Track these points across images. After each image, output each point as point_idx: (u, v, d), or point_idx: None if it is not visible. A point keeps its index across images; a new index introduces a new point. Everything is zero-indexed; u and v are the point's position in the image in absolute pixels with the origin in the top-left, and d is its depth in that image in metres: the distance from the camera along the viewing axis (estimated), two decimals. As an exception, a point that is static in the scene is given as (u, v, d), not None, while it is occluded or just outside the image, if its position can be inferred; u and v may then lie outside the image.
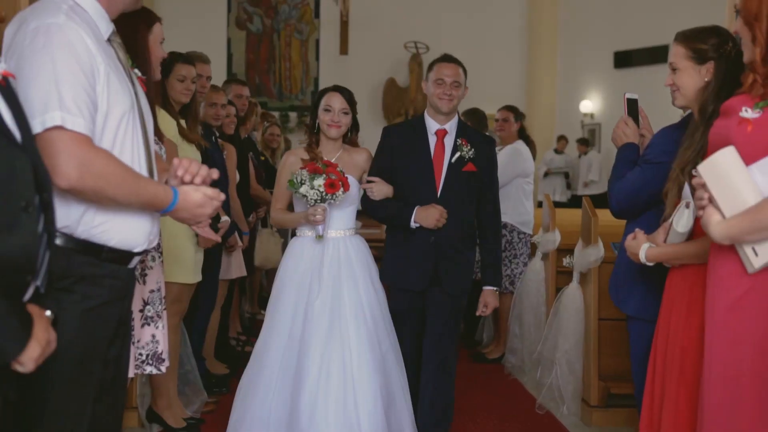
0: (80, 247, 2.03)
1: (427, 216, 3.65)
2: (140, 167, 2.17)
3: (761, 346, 2.02)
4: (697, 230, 2.35)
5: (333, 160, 3.70)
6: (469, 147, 3.75)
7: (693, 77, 2.66)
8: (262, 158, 6.37)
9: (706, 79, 2.64)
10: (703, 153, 2.39)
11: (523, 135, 6.22)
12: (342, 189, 3.54)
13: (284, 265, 3.73)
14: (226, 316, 5.49)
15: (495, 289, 3.84)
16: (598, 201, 6.95)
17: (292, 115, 14.31)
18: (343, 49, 14.23)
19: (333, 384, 3.47)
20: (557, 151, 14.07)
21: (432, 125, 3.80)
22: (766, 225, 1.97)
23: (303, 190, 3.54)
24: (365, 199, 3.78)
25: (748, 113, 2.08)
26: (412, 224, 3.68)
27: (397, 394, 3.62)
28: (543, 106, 14.80)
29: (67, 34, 1.98)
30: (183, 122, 4.11)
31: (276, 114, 13.74)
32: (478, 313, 3.86)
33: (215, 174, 2.20)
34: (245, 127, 5.86)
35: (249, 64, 14.71)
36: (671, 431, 2.39)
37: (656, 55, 12.80)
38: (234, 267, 4.99)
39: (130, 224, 2.14)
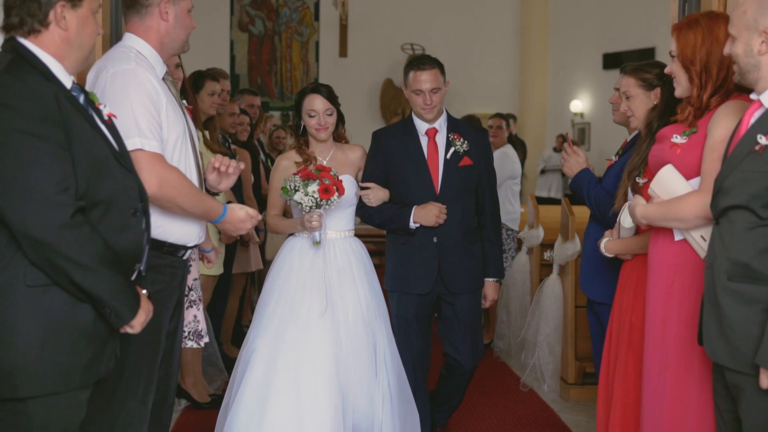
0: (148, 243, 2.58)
1: (426, 214, 3.59)
2: (192, 177, 2.73)
3: (684, 323, 2.57)
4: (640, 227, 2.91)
5: (326, 160, 3.62)
6: (462, 140, 3.69)
7: (644, 101, 3.19)
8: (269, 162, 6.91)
9: (655, 102, 3.17)
10: (647, 162, 2.92)
11: (512, 139, 6.81)
12: (337, 194, 3.41)
13: (279, 265, 3.60)
14: (242, 306, 6.04)
15: (496, 280, 3.82)
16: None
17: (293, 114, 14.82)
18: (343, 51, 14.76)
19: (327, 389, 3.33)
20: (556, 150, 14.61)
21: (421, 126, 3.74)
22: (671, 218, 2.55)
23: (297, 197, 3.40)
24: (361, 205, 3.68)
25: (677, 139, 2.63)
26: (412, 225, 3.61)
27: (396, 397, 3.49)
28: (535, 105, 15.35)
29: (138, 76, 2.53)
30: (206, 133, 4.66)
31: (278, 113, 14.33)
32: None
33: (242, 165, 2.79)
34: (256, 133, 6.40)
35: (251, 65, 15.22)
36: (622, 392, 2.96)
37: (644, 57, 13.35)
38: (252, 261, 5.53)
39: (184, 225, 2.71)
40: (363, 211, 3.70)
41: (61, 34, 2.05)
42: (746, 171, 2.12)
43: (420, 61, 3.69)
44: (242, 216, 2.72)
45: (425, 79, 3.62)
